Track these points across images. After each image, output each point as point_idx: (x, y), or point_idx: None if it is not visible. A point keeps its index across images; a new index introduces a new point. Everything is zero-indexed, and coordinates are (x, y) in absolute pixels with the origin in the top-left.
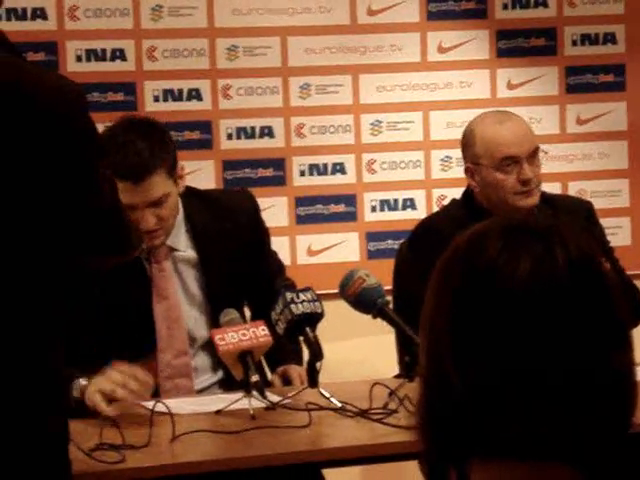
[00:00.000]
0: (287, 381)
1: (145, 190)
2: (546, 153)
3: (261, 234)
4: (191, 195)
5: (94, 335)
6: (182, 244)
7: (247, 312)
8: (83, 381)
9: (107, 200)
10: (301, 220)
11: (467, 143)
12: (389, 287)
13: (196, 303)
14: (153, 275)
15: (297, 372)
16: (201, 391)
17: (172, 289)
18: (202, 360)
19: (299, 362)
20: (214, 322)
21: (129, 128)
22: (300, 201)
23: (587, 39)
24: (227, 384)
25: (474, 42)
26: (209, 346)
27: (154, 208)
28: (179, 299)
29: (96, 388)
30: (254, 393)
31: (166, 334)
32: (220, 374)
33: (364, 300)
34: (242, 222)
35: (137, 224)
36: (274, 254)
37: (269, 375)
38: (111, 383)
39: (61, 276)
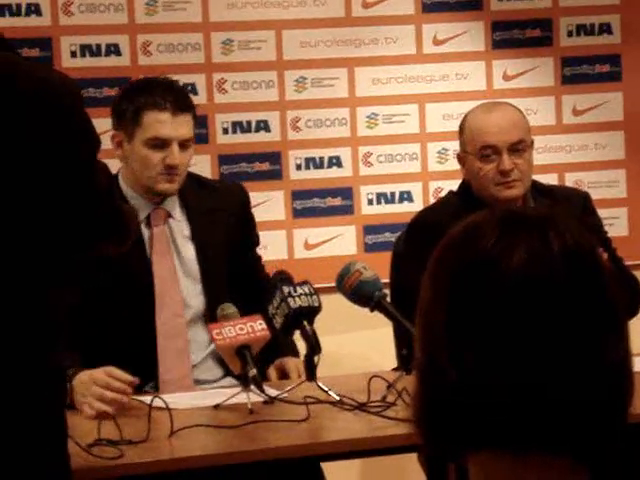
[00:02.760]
0: (284, 374)
1: (180, 125)
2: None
3: (249, 225)
4: (188, 176)
5: (93, 302)
6: (177, 214)
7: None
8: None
9: (103, 191)
10: (298, 214)
11: (460, 131)
12: (386, 280)
13: (190, 272)
14: (152, 237)
15: (294, 364)
16: (194, 366)
17: (169, 253)
18: (196, 333)
19: (295, 354)
20: (207, 293)
21: (159, 79)
22: (297, 195)
23: (583, 29)
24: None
25: (469, 34)
26: (202, 320)
27: (180, 150)
28: (175, 264)
29: (84, 399)
30: (252, 387)
31: (164, 292)
32: (213, 347)
33: (361, 293)
34: (232, 208)
35: (162, 161)
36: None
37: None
38: (96, 391)
39: (60, 270)
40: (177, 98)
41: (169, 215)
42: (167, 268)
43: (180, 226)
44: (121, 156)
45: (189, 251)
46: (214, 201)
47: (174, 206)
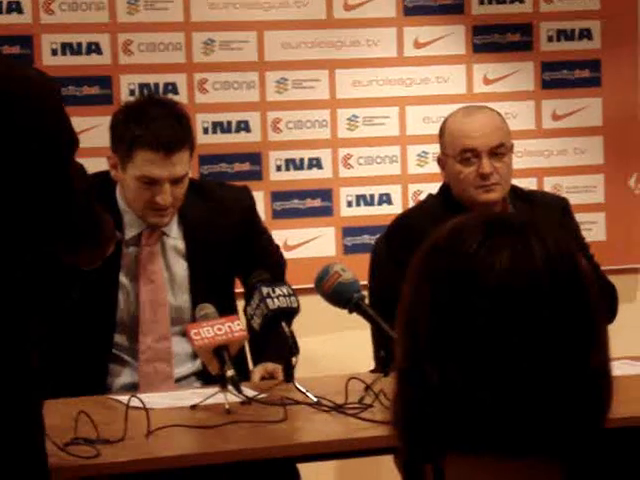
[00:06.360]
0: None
1: (172, 164)
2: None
3: (253, 232)
4: (189, 185)
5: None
6: (173, 232)
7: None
8: None
9: (80, 193)
10: (277, 215)
11: (440, 134)
12: (365, 282)
13: (180, 291)
14: (142, 258)
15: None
16: (179, 380)
17: (159, 273)
18: (181, 347)
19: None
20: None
21: (159, 104)
22: (276, 196)
23: (563, 35)
24: (205, 375)
25: (450, 37)
26: None
27: (173, 186)
28: (165, 284)
29: None
30: (230, 388)
31: (150, 317)
32: (198, 364)
33: (340, 295)
34: (235, 218)
35: (152, 199)
36: (273, 251)
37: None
38: None
39: (39, 273)
40: (173, 136)
41: (164, 233)
42: (156, 292)
43: (174, 243)
44: (116, 176)
45: (181, 270)
46: (215, 215)
47: (171, 224)
